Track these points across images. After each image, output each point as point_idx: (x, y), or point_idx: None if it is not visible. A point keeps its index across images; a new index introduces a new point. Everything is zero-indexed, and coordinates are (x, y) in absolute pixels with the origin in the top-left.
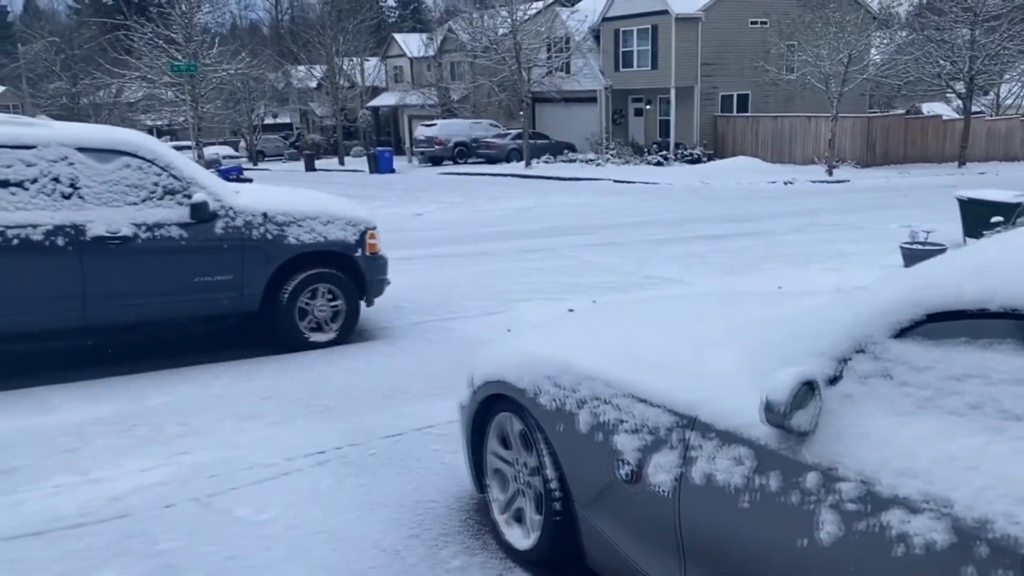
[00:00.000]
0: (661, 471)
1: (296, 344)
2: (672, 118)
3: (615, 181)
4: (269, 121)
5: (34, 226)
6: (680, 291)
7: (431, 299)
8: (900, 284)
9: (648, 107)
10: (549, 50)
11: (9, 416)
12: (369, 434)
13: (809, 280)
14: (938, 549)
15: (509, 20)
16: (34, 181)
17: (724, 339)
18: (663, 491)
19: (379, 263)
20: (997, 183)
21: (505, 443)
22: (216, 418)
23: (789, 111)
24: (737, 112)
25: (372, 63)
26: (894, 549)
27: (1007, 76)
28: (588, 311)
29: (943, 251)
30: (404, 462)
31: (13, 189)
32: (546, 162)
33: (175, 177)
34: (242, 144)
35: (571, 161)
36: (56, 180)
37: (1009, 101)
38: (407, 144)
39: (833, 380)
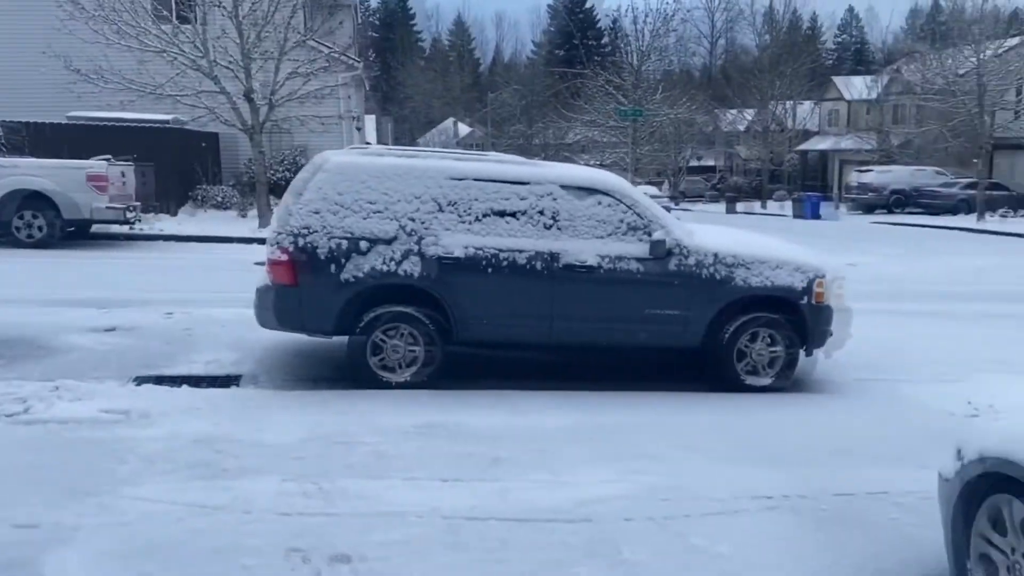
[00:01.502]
0: None
1: (731, 385)
2: None
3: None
4: (693, 163)
5: (520, 251)
6: None
7: (874, 357)
8: None
9: None
10: (1019, 92)
11: (491, 412)
12: (817, 489)
13: None
14: None
15: (973, 59)
16: (524, 212)
17: None
18: None
19: (825, 313)
20: None
21: (998, 527)
22: (663, 444)
23: None
24: None
25: (805, 106)
26: None
27: None
28: None
29: None
30: (858, 524)
31: (507, 219)
32: (1003, 216)
33: (639, 215)
34: (665, 184)
35: None
36: (541, 213)
37: None
38: (835, 190)
39: None
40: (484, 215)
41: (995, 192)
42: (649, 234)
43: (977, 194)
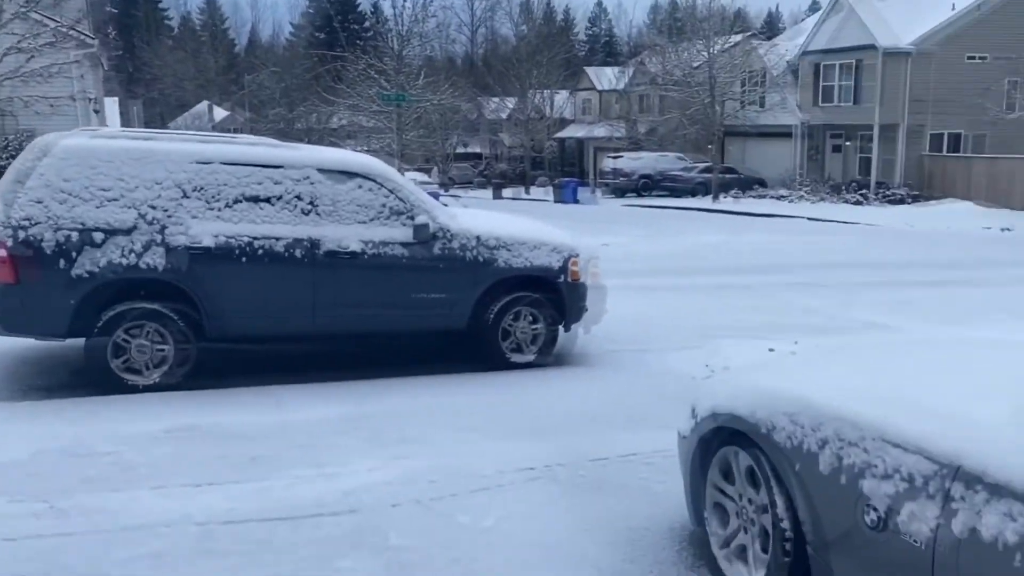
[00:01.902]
0: (915, 521)
1: (498, 363)
2: (874, 156)
3: (809, 219)
4: (460, 150)
5: (277, 239)
6: (898, 338)
7: (625, 329)
8: None
9: (848, 144)
10: (744, 84)
11: (251, 410)
12: (576, 456)
13: None
14: None
15: (704, 53)
16: (280, 198)
17: (984, 387)
18: (917, 542)
19: (580, 290)
20: None
21: (728, 477)
22: (430, 426)
23: (1009, 152)
24: (948, 152)
25: (562, 96)
26: None
27: None
28: (814, 351)
29: None
30: (612, 486)
31: (262, 205)
32: (734, 197)
33: (401, 200)
34: (434, 171)
35: (761, 197)
36: (298, 198)
37: None
38: (591, 175)
39: None
40: (236, 201)
41: (728, 175)
42: (412, 218)
43: (712, 177)
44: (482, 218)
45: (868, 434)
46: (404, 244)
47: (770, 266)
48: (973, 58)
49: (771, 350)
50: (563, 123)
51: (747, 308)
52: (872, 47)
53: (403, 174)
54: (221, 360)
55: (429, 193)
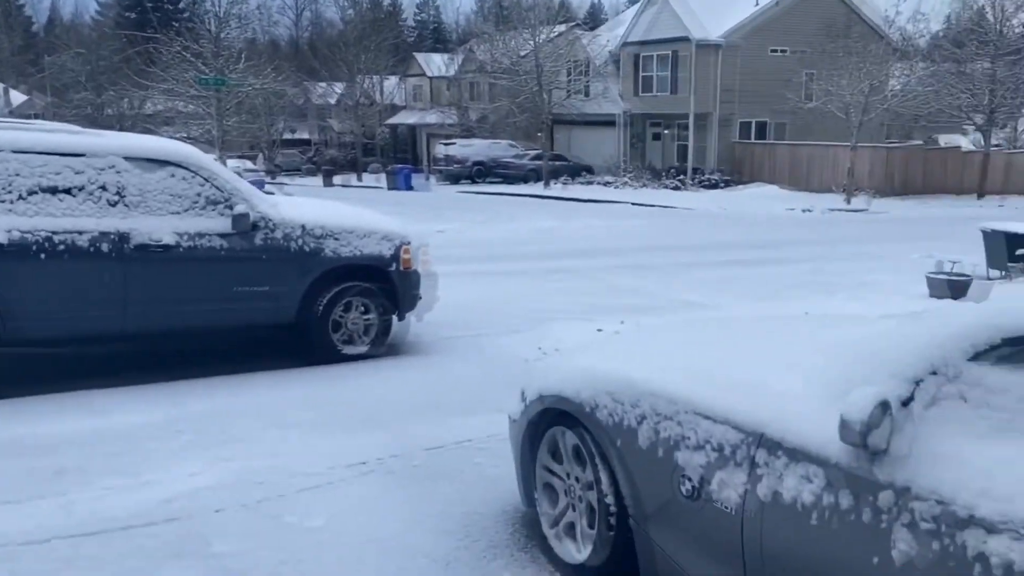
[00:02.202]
0: (725, 488)
1: (329, 356)
2: (690, 143)
3: (633, 204)
4: (287, 136)
5: (81, 232)
6: (712, 315)
7: (460, 315)
8: (977, 309)
9: (666, 132)
10: (569, 73)
11: (59, 418)
12: (410, 446)
13: (837, 308)
14: (1018, 570)
15: (531, 42)
16: (82, 188)
17: (785, 359)
18: (727, 507)
19: (413, 278)
20: (1019, 216)
21: (556, 457)
22: (257, 426)
23: (807, 139)
24: (755, 139)
25: (392, 81)
26: (971, 569)
27: None
28: (635, 331)
29: (969, 281)
30: (447, 474)
31: (61, 196)
32: (564, 183)
33: (218, 188)
34: (259, 158)
35: (589, 183)
36: (103, 188)
37: None
38: (425, 162)
39: (907, 401)
40: (31, 193)
41: (557, 162)
42: (231, 208)
43: (543, 164)
44: (307, 207)
45: (681, 408)
46: (222, 235)
47: (598, 250)
48: (775, 51)
49: (599, 330)
50: (394, 109)
51: (578, 290)
52: (686, 39)
53: (224, 162)
54: (25, 365)
55: (253, 182)
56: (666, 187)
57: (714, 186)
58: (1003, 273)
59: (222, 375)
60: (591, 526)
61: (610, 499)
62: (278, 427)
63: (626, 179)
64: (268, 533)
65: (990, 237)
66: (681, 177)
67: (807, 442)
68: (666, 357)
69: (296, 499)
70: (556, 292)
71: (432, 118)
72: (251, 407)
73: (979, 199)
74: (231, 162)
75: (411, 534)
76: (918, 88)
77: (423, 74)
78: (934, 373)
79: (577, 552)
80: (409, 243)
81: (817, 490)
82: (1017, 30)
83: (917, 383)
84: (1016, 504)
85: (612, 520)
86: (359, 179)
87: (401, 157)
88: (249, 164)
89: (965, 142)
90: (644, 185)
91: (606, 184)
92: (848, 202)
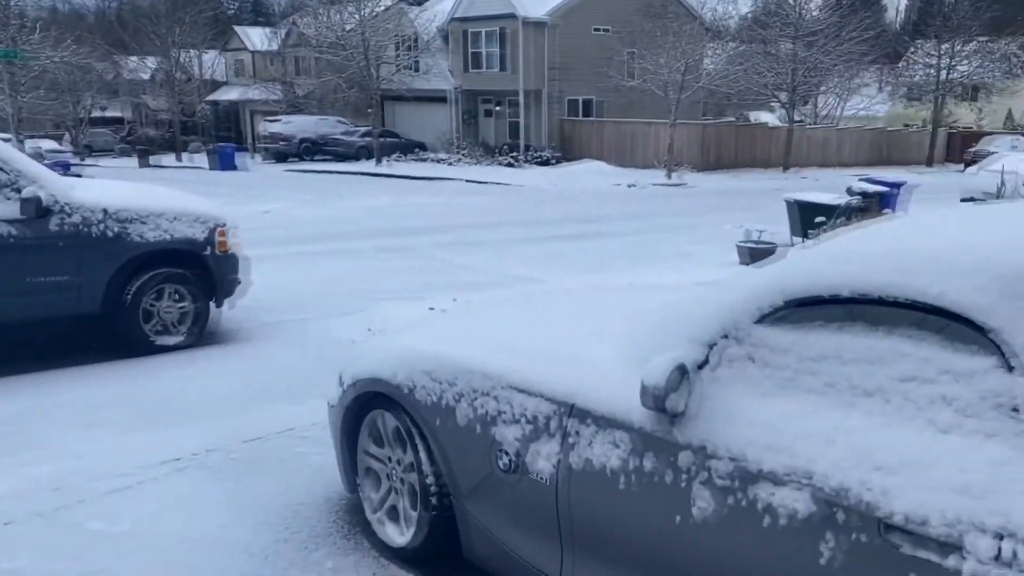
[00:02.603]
0: (540, 459)
1: (142, 348)
2: (522, 120)
3: (467, 181)
4: (97, 114)
5: None
6: (541, 289)
7: (283, 299)
8: (763, 274)
9: (498, 108)
10: (398, 48)
11: None
12: (229, 438)
13: (655, 278)
14: (801, 517)
15: (356, 16)
16: None
17: (599, 330)
18: (542, 478)
19: (231, 262)
20: (818, 187)
21: (377, 441)
22: (62, 427)
23: (631, 116)
24: (583, 116)
25: (211, 56)
26: (762, 520)
27: (823, 88)
28: (460, 308)
29: (774, 249)
30: (268, 465)
31: None
32: (397, 160)
33: (1, 170)
34: (66, 138)
35: (423, 160)
36: None
37: (825, 112)
38: (250, 140)
39: (702, 364)
40: None
41: (388, 139)
42: (18, 191)
43: (373, 141)
44: (111, 189)
45: (497, 383)
46: (10, 221)
47: (432, 227)
48: (598, 30)
49: (431, 309)
50: (215, 85)
51: (410, 269)
52: (512, 16)
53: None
54: None
55: (56, 163)
56: (500, 164)
57: (546, 163)
58: (804, 240)
59: (26, 374)
60: (414, 508)
61: (431, 480)
62: (86, 427)
63: (460, 156)
64: (66, 543)
65: (792, 207)
66: (514, 154)
67: (614, 409)
68: (484, 333)
69: (100, 503)
70: (388, 271)
71: (256, 94)
72: (57, 407)
73: (785, 172)
74: (28, 143)
75: (228, 531)
76: (729, 68)
77: (244, 48)
78: (725, 336)
79: (400, 535)
80: (224, 225)
81: (624, 455)
82: (814, 13)
83: (711, 346)
84: (797, 456)
85: (434, 500)
86: (179, 159)
87: (224, 135)
88: (53, 144)
89: (772, 119)
90: (478, 162)
91: (440, 161)
92: (669, 177)
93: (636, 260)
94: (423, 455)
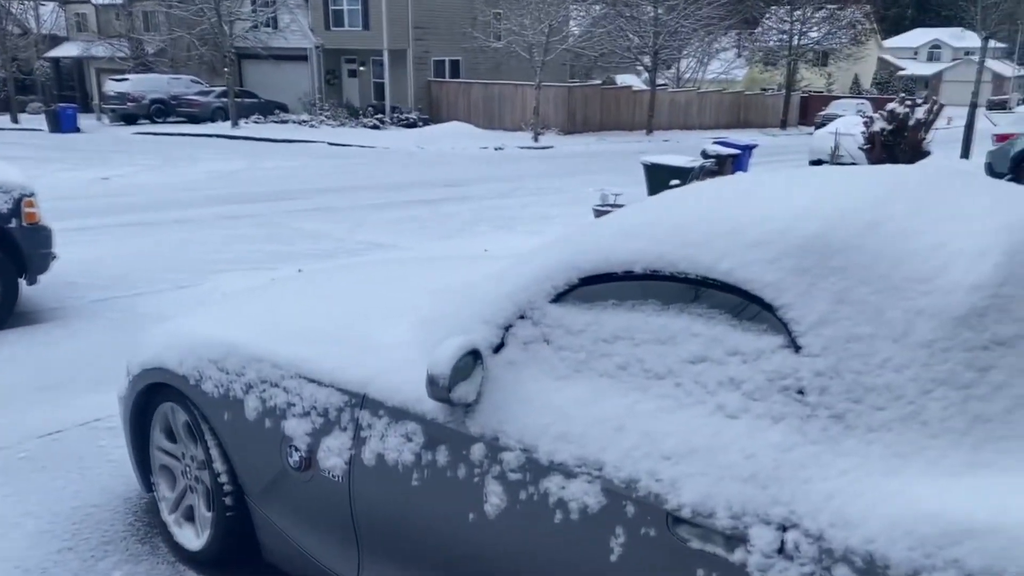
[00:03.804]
0: (332, 455)
1: None
2: (386, 81)
3: (330, 144)
4: None
5: None
6: (391, 256)
7: (115, 273)
8: (556, 249)
9: (362, 68)
10: (254, 2)
11: None
12: (20, 435)
13: (515, 243)
14: (591, 512)
15: None
16: None
17: (401, 308)
18: (335, 476)
19: (43, 234)
20: (678, 149)
21: (170, 436)
22: None
23: (498, 78)
24: (450, 78)
25: (49, 8)
26: (553, 516)
27: (685, 52)
28: (260, 287)
29: None
30: (63, 463)
31: None
32: (256, 122)
33: None
34: None
35: (283, 122)
36: None
37: (687, 76)
38: (95, 100)
39: (498, 348)
40: None
41: (247, 100)
42: None
43: (230, 102)
44: None
45: (287, 372)
46: None
47: (287, 192)
48: None
49: (273, 280)
50: (56, 40)
51: (258, 238)
52: None
53: None
54: None
55: None
56: (365, 126)
57: (413, 125)
58: None
59: None
60: (209, 508)
61: (225, 478)
62: None
63: (323, 118)
64: None
65: (649, 169)
66: (380, 116)
67: (406, 399)
68: (280, 315)
69: None
70: (234, 240)
71: (101, 51)
72: None
73: (648, 135)
74: None
75: (2, 542)
76: (593, 30)
77: (87, 1)
78: (522, 317)
79: (196, 537)
80: (33, 195)
81: (417, 449)
82: None
83: (507, 328)
84: (588, 446)
85: (229, 500)
86: (15, 121)
87: (68, 95)
88: None
89: (637, 82)
90: (342, 124)
91: (302, 123)
92: (536, 140)
93: (497, 225)
94: (215, 452)
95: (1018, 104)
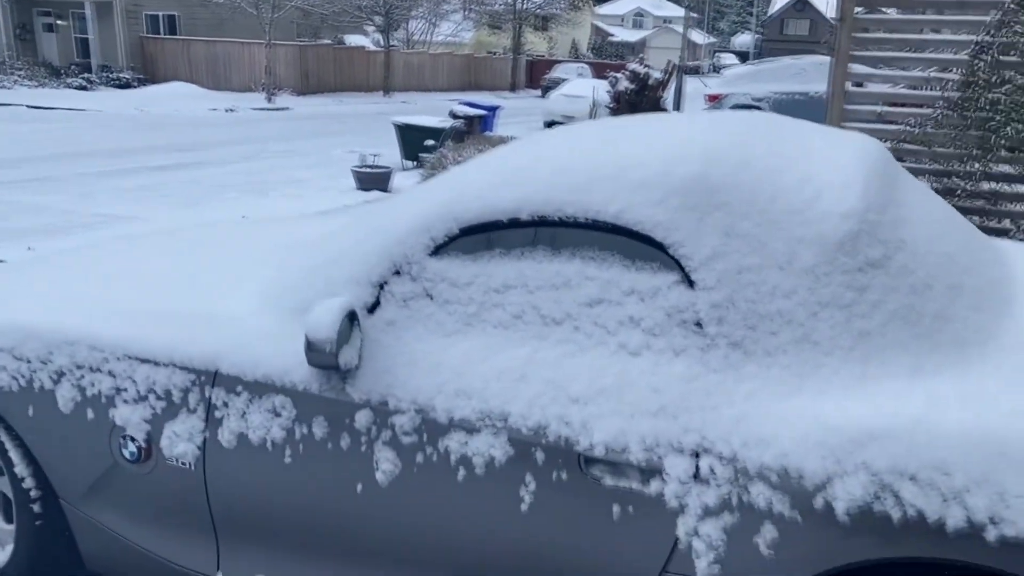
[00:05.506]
0: (180, 441)
1: None
2: (92, 37)
3: (29, 107)
4: None
5: None
6: (146, 229)
7: None
8: (432, 198)
9: (61, 23)
10: None
11: None
12: None
13: (272, 208)
14: (499, 465)
15: None
16: None
17: (237, 276)
18: (184, 463)
19: None
20: (419, 110)
21: None
22: None
23: (223, 36)
24: (166, 34)
25: None
26: (456, 474)
27: (414, 13)
28: (38, 261)
29: (389, 173)
30: None
31: None
32: None
33: None
34: None
35: None
36: None
37: (418, 37)
38: None
39: (373, 308)
40: None
41: None
42: None
43: None
44: None
45: (113, 354)
46: None
47: None
48: None
49: (2, 262)
50: None
51: None
52: None
53: None
54: None
55: None
56: (70, 87)
57: (127, 85)
58: (415, 163)
59: None
60: (9, 520)
61: (30, 483)
62: None
63: (16, 78)
64: None
65: (403, 130)
66: (87, 75)
67: (269, 372)
68: (83, 292)
69: None
70: None
71: None
72: None
73: (386, 96)
74: None
75: None
76: None
77: None
78: (397, 273)
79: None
80: None
81: (288, 424)
82: None
83: (381, 286)
84: (490, 399)
85: (36, 507)
86: None
87: None
88: None
89: (367, 43)
90: (42, 85)
91: None
92: (270, 101)
93: (246, 190)
94: (14, 454)
95: (710, 71)
